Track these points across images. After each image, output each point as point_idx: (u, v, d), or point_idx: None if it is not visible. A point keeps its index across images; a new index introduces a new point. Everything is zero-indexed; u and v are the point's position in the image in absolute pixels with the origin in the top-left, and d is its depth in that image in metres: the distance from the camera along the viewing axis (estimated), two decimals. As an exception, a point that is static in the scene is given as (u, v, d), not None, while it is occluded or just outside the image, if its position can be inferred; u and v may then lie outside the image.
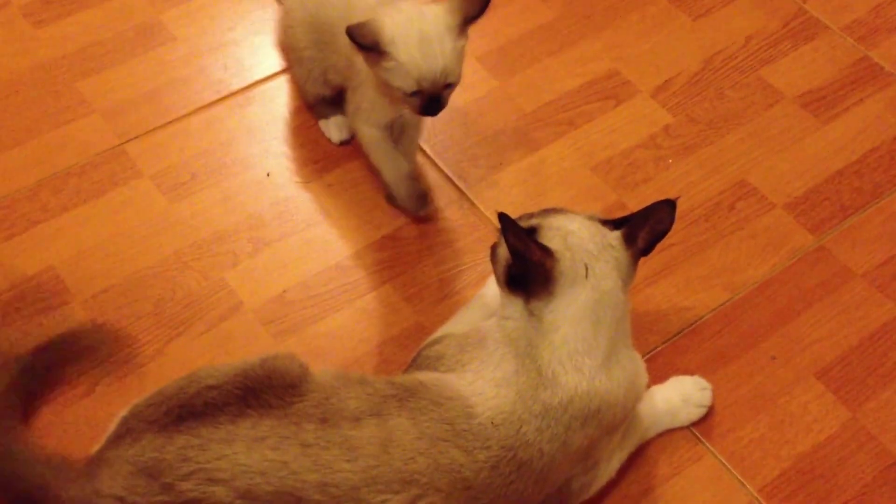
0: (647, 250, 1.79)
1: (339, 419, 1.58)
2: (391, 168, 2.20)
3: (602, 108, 2.41)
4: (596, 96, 2.43)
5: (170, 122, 2.35)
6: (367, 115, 2.20)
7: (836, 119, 2.39)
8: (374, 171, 2.25)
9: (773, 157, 2.33)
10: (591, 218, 1.80)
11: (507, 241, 1.68)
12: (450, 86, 2.05)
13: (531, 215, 1.82)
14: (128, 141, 2.32)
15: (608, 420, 1.71)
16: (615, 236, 1.76)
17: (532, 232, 1.75)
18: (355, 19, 1.99)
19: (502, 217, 1.65)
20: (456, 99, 2.32)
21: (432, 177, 2.28)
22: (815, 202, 2.25)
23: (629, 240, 1.76)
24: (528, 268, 1.70)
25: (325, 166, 2.27)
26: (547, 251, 1.68)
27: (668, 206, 1.77)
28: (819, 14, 2.58)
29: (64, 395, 1.94)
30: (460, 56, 2.03)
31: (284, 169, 2.28)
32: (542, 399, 1.65)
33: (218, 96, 2.40)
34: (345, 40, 1.96)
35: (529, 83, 2.46)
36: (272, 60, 2.45)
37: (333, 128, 2.31)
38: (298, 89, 2.35)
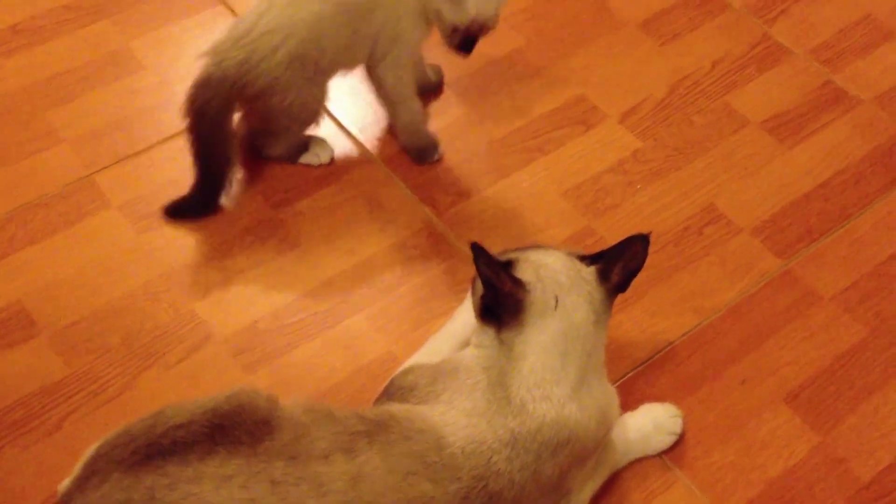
0: (622, 286, 1.79)
1: (308, 456, 1.54)
2: (415, 113, 2.32)
3: (571, 133, 2.38)
4: (565, 122, 2.40)
5: (139, 152, 2.31)
6: (406, 63, 2.27)
7: (802, 143, 2.37)
8: (343, 198, 2.22)
9: (739, 181, 2.31)
10: (568, 253, 1.81)
11: (478, 271, 1.67)
12: (488, 30, 2.21)
13: (512, 250, 1.83)
14: (97, 171, 2.28)
15: (579, 449, 1.69)
16: (589, 271, 1.76)
17: (508, 264, 1.75)
18: None
19: (474, 247, 1.64)
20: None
21: (401, 202, 2.23)
22: (782, 226, 2.23)
23: (603, 275, 1.76)
24: (499, 298, 1.70)
25: (295, 194, 2.23)
26: (518, 282, 1.67)
27: (642, 241, 1.77)
28: (784, 39, 2.56)
29: (31, 431, 1.88)
30: (504, 6, 2.20)
31: (255, 197, 2.23)
32: (511, 428, 1.64)
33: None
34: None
35: (499, 109, 2.44)
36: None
37: (321, 151, 2.29)
38: (270, 145, 2.28)
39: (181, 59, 2.46)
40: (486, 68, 2.52)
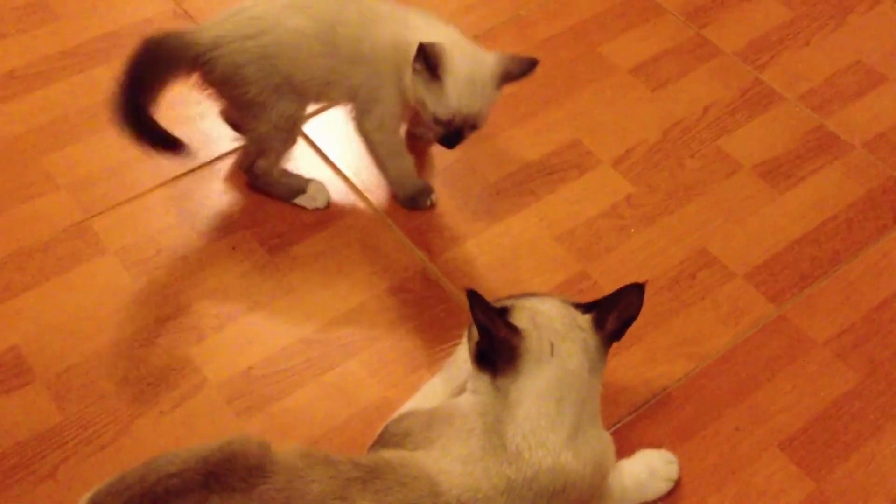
0: (617, 334, 1.79)
1: (302, 501, 1.52)
2: (403, 169, 2.32)
3: (564, 178, 2.39)
4: (558, 166, 2.41)
5: (135, 197, 2.32)
6: (389, 124, 2.25)
7: (794, 188, 2.38)
8: (338, 243, 2.22)
9: (732, 226, 2.31)
10: (564, 301, 1.81)
11: (474, 317, 1.67)
12: (474, 127, 2.16)
13: (507, 298, 1.83)
14: (93, 216, 2.29)
15: (574, 498, 1.68)
16: (585, 319, 1.76)
17: (503, 311, 1.74)
18: (378, 33, 2.12)
19: (470, 294, 1.64)
20: (420, 172, 2.40)
21: (395, 247, 2.23)
22: (775, 271, 2.23)
23: (598, 323, 1.76)
24: (494, 344, 1.70)
25: (290, 238, 2.24)
26: (513, 329, 1.67)
27: (637, 290, 1.77)
28: (775, 84, 2.58)
29: (25, 478, 1.87)
30: (492, 105, 2.14)
31: (250, 242, 2.23)
32: (506, 475, 1.63)
33: (183, 170, 2.37)
34: (372, 53, 2.12)
35: (493, 153, 2.46)
36: (231, 132, 2.42)
37: (318, 195, 2.30)
38: (264, 180, 2.29)
39: (176, 105, 2.44)
40: None
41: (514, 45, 2.67)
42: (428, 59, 1.99)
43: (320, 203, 2.30)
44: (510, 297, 1.84)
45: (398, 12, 2.14)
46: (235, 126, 2.39)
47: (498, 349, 1.70)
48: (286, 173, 2.31)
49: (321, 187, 2.31)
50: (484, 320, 1.66)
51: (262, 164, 2.25)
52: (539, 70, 2.45)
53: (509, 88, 2.47)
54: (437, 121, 2.08)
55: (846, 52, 2.68)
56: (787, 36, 2.72)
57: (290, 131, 2.22)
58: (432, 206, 2.32)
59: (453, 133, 2.10)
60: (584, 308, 1.80)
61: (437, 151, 2.41)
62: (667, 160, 2.43)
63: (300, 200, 2.30)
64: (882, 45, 2.70)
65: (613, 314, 1.77)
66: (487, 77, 2.06)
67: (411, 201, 2.30)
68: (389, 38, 2.10)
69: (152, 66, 2.07)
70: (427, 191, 2.31)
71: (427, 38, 2.01)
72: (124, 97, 2.04)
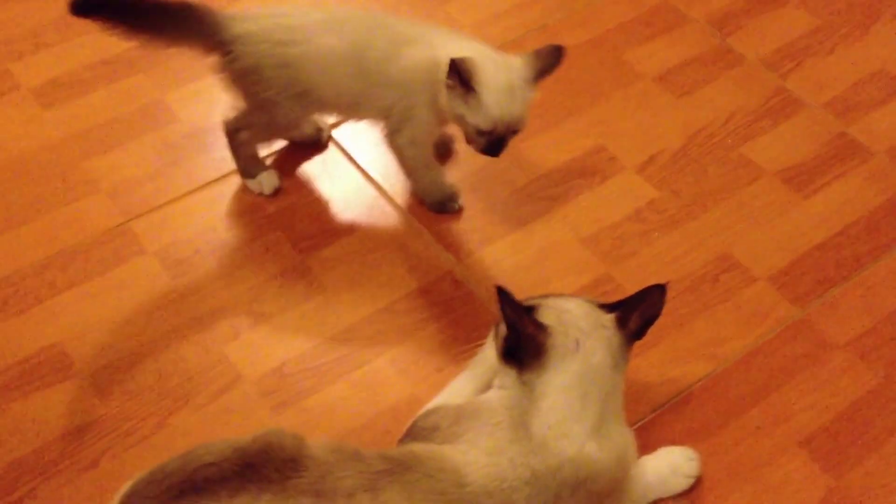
0: (639, 333, 1.84)
1: (333, 493, 1.58)
2: (433, 179, 2.37)
3: (589, 183, 2.44)
4: (584, 172, 2.46)
5: (173, 200, 2.38)
6: (421, 140, 2.29)
7: (817, 193, 2.41)
8: (368, 245, 2.27)
9: (755, 230, 2.35)
10: (588, 301, 1.86)
11: (503, 314, 1.73)
12: (515, 132, 2.17)
13: (534, 297, 1.87)
14: (132, 219, 2.35)
15: (598, 488, 1.73)
16: (608, 318, 1.81)
17: (531, 309, 1.79)
18: (407, 56, 2.14)
19: (500, 291, 1.70)
20: (449, 175, 2.46)
21: (423, 249, 2.28)
22: (797, 275, 2.26)
23: (621, 322, 1.81)
24: (521, 340, 1.75)
25: (321, 240, 2.29)
26: (540, 326, 1.73)
27: (659, 290, 1.82)
28: (798, 92, 2.61)
29: (69, 468, 1.93)
30: (529, 107, 2.16)
31: (282, 244, 2.29)
32: (531, 465, 1.67)
33: (219, 174, 2.41)
34: (401, 76, 2.15)
35: (520, 159, 2.49)
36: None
37: (266, 182, 2.35)
38: (236, 147, 2.33)
39: (212, 111, 2.52)
40: None
41: None
42: (461, 74, 2.03)
43: (267, 190, 2.37)
44: (536, 297, 1.87)
45: (425, 33, 2.18)
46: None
47: (525, 345, 1.75)
48: (255, 153, 2.37)
49: (271, 176, 2.37)
50: (512, 317, 1.72)
51: (245, 135, 2.30)
52: (565, 78, 2.51)
53: (535, 97, 2.54)
54: (479, 132, 2.11)
55: (870, 61, 2.70)
56: (812, 44, 2.74)
57: (287, 130, 2.33)
58: (460, 209, 2.37)
59: (496, 141, 2.13)
60: (608, 308, 1.84)
61: (465, 157, 2.45)
62: (690, 166, 2.46)
63: (249, 182, 2.37)
64: None
65: (636, 314, 1.82)
66: (521, 80, 2.09)
67: (440, 206, 2.36)
68: (419, 60, 2.14)
69: (172, 20, 2.12)
70: (455, 196, 2.37)
71: (455, 54, 2.05)
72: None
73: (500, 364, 1.84)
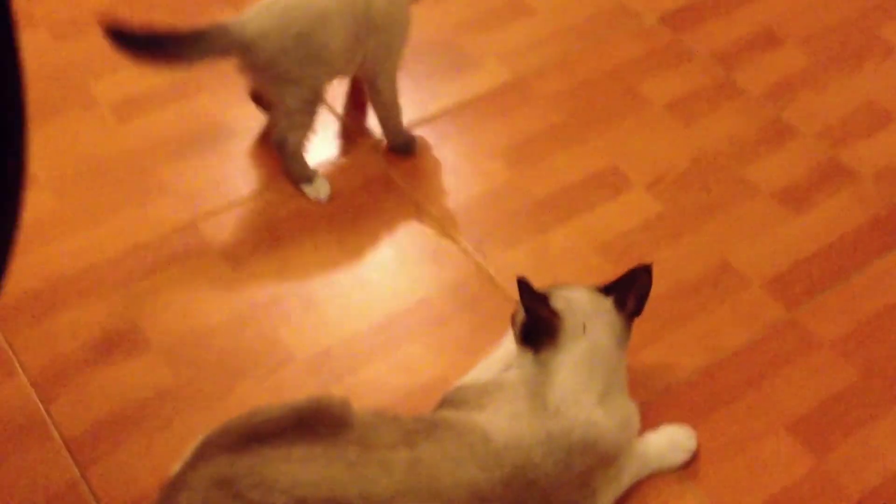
0: (637, 311, 2.03)
1: (376, 445, 1.75)
2: (400, 113, 2.63)
3: (603, 197, 2.57)
4: (598, 187, 2.59)
5: (233, 204, 2.53)
6: (395, 72, 2.57)
7: (807, 211, 2.54)
8: (409, 251, 2.45)
9: (751, 242, 2.47)
10: (589, 288, 2.05)
11: (522, 300, 1.93)
12: None
13: (545, 288, 2.03)
14: (198, 219, 2.50)
15: (604, 451, 1.89)
16: (609, 301, 2.01)
17: (544, 297, 1.97)
18: None
19: (521, 281, 1.90)
20: (478, 186, 2.58)
21: (456, 254, 2.43)
22: (789, 281, 2.39)
23: (620, 304, 2.01)
24: (538, 324, 1.94)
25: (368, 241, 2.47)
26: (553, 311, 1.94)
27: (646, 270, 2.02)
28: (794, 121, 2.76)
29: (146, 428, 2.11)
30: None
31: (329, 243, 2.46)
32: (547, 427, 1.85)
33: (274, 182, 2.59)
34: (380, 18, 2.42)
35: (541, 175, 2.62)
36: (326, 151, 2.67)
37: (322, 188, 2.56)
38: (289, 155, 2.51)
39: (267, 127, 2.71)
40: (531, 140, 2.70)
41: (560, 82, 2.84)
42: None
43: (322, 196, 2.55)
44: (547, 286, 2.04)
45: None
46: (262, 103, 2.64)
47: (541, 328, 1.94)
48: (304, 159, 2.55)
49: (325, 183, 2.56)
50: (530, 304, 1.92)
51: (292, 139, 2.48)
52: (583, 104, 2.66)
53: (553, 118, 2.72)
54: None
55: (860, 95, 2.82)
56: (807, 79, 2.86)
57: (315, 103, 2.47)
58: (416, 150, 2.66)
59: None
60: (605, 290, 2.04)
61: (493, 171, 2.62)
62: (694, 185, 2.60)
63: (306, 188, 2.55)
64: (893, 89, 2.84)
65: (632, 294, 2.01)
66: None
67: (406, 146, 2.65)
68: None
69: (191, 46, 2.30)
70: (415, 139, 2.67)
71: None
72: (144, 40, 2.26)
73: (518, 346, 2.00)
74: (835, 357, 2.27)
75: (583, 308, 1.98)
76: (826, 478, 2.07)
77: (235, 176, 2.61)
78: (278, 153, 2.53)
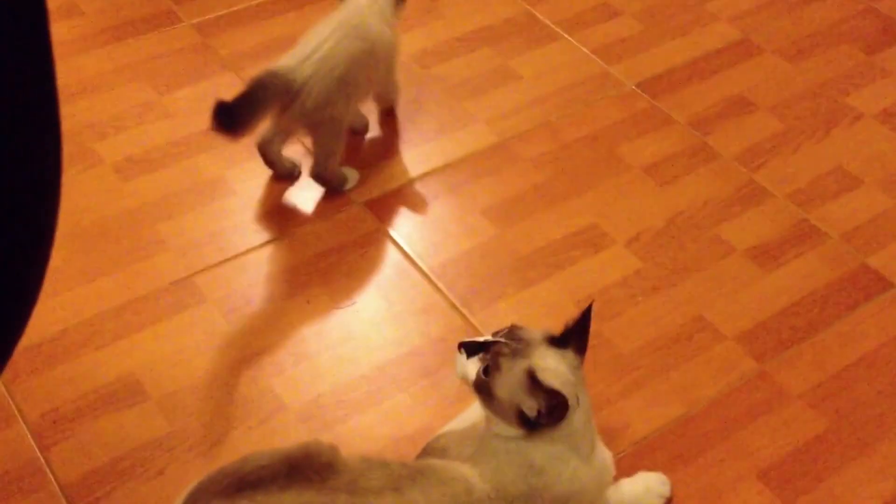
0: (585, 351, 1.96)
1: (365, 491, 1.76)
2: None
3: (584, 254, 2.63)
4: (579, 244, 2.65)
5: (230, 258, 2.61)
6: (394, 76, 2.94)
7: (779, 269, 2.60)
8: (395, 302, 2.51)
9: (725, 298, 2.52)
10: (550, 343, 1.94)
11: (543, 398, 1.84)
12: None
13: (502, 343, 1.92)
14: (196, 273, 2.57)
15: (583, 500, 1.93)
16: (573, 356, 1.93)
17: (532, 376, 1.85)
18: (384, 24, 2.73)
19: (557, 394, 1.83)
20: (465, 243, 2.65)
21: (443, 307, 2.50)
22: (760, 335, 2.44)
23: (579, 352, 1.94)
24: (551, 415, 1.85)
25: (358, 295, 2.53)
26: (559, 395, 1.84)
27: (588, 312, 1.94)
28: (766, 183, 2.82)
29: (139, 476, 2.15)
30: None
31: (321, 297, 2.52)
32: (530, 482, 1.87)
33: (269, 238, 2.67)
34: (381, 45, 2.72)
35: (524, 232, 2.69)
36: (320, 207, 2.77)
37: (352, 175, 2.82)
38: (330, 179, 2.76)
39: (263, 186, 2.81)
40: (515, 199, 2.77)
41: (544, 144, 2.93)
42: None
43: (352, 182, 2.80)
44: (503, 333, 1.95)
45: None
46: (268, 157, 2.77)
47: (552, 419, 1.86)
48: (342, 173, 2.79)
49: (352, 171, 2.82)
50: (550, 399, 1.84)
51: (332, 164, 2.72)
52: (566, 166, 2.72)
53: (537, 178, 2.78)
54: None
55: (829, 159, 2.90)
56: (779, 144, 2.94)
57: (344, 132, 2.72)
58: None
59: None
60: (561, 341, 1.94)
61: (478, 228, 2.69)
62: (671, 243, 2.66)
63: (346, 187, 2.80)
64: (860, 154, 2.92)
65: (584, 337, 1.94)
66: None
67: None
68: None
69: (262, 96, 2.49)
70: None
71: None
72: (237, 117, 2.44)
73: (503, 425, 1.91)
74: (804, 408, 2.31)
75: (570, 379, 1.90)
76: (796, 526, 2.11)
77: (232, 232, 2.69)
78: (320, 183, 2.76)
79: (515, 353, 1.90)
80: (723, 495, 2.16)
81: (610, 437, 2.15)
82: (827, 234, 2.70)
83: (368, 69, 2.70)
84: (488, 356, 1.90)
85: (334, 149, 2.71)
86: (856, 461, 2.22)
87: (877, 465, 2.21)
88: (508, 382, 1.86)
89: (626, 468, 2.15)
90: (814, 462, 2.22)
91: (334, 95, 2.58)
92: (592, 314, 1.95)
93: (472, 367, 1.91)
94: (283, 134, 2.74)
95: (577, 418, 1.89)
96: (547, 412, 1.84)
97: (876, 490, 2.17)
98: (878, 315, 2.51)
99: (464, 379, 1.94)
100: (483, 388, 1.90)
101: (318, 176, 2.75)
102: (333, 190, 2.78)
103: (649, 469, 2.17)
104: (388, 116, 3.03)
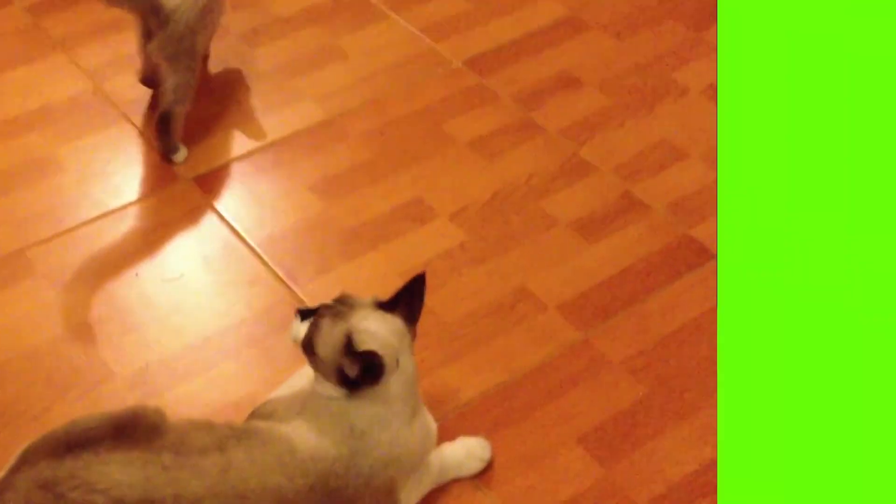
0: (417, 319, 2.16)
1: (189, 451, 1.91)
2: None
3: (409, 227, 2.80)
4: (404, 218, 2.83)
5: (60, 233, 2.78)
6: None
7: (602, 240, 2.76)
8: (218, 271, 2.69)
9: (548, 269, 2.68)
10: (378, 308, 2.13)
11: (354, 356, 2.03)
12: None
13: (328, 306, 2.12)
14: (27, 247, 2.75)
15: (405, 464, 2.10)
16: (400, 322, 2.12)
17: (349, 337, 2.04)
18: None
19: (368, 355, 2.02)
20: (292, 217, 2.82)
21: (270, 280, 2.66)
22: (582, 305, 2.60)
23: (409, 320, 2.13)
24: (365, 374, 2.03)
25: (187, 269, 2.70)
26: (377, 357, 2.03)
27: (421, 279, 2.13)
28: (591, 157, 3.00)
29: None
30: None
31: (150, 270, 2.69)
32: (351, 445, 2.03)
33: (100, 213, 2.85)
34: None
35: (351, 207, 2.86)
36: (146, 184, 2.92)
37: (183, 151, 3.00)
38: (174, 124, 2.95)
39: (94, 163, 2.96)
40: (342, 175, 2.95)
41: (371, 121, 3.10)
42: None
43: (181, 157, 2.99)
44: (330, 305, 2.12)
45: None
46: (152, 83, 3.08)
47: (367, 378, 2.04)
48: (179, 133, 2.98)
49: (184, 148, 2.99)
50: (366, 360, 2.03)
51: (178, 110, 2.94)
52: (392, 142, 2.92)
53: (364, 155, 2.96)
54: None
55: (654, 133, 3.08)
56: (605, 119, 3.12)
57: (196, 76, 2.92)
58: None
59: None
60: (389, 306, 2.13)
61: (304, 203, 2.85)
62: (495, 216, 2.82)
63: (175, 157, 2.98)
64: (685, 128, 3.10)
65: (414, 305, 2.13)
66: None
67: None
68: None
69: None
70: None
71: None
72: None
73: (325, 384, 2.09)
74: (623, 375, 2.46)
75: (390, 342, 2.07)
76: (613, 487, 2.26)
77: (63, 207, 2.85)
78: (161, 126, 2.92)
79: (337, 315, 2.09)
80: (543, 459, 2.31)
81: (434, 403, 2.30)
82: (651, 207, 2.87)
83: (221, 4, 2.97)
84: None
85: (190, 82, 2.90)
86: (675, 427, 2.38)
87: (696, 431, 2.36)
88: (330, 343, 2.04)
89: (448, 433, 2.31)
90: (633, 427, 2.37)
91: (198, 25, 2.82)
92: (423, 284, 2.14)
93: (302, 329, 2.10)
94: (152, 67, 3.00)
95: (396, 380, 2.07)
96: (362, 372, 2.03)
97: (695, 455, 2.32)
98: (699, 285, 2.68)
99: (295, 341, 2.12)
100: (307, 347, 2.09)
101: (166, 115, 2.90)
102: (167, 151, 2.94)
103: (471, 434, 2.33)
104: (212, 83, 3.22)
